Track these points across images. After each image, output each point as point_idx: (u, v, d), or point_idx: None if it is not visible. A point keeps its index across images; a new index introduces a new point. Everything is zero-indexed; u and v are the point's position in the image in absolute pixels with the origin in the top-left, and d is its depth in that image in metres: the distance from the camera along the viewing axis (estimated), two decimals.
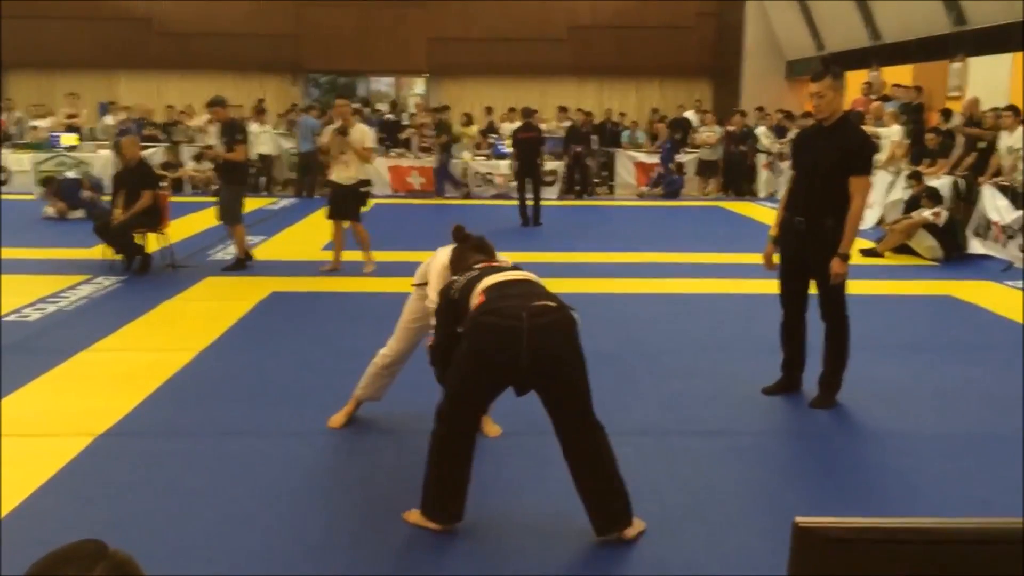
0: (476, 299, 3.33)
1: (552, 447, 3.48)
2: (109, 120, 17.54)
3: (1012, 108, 10.69)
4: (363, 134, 8.76)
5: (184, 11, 21.32)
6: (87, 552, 1.31)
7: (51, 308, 6.92)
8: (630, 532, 3.37)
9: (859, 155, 4.74)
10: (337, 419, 4.54)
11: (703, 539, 3.45)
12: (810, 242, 4.78)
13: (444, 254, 4.00)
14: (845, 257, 4.72)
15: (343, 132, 8.57)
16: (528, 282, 3.49)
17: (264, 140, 16.21)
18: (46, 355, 5.74)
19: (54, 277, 6.86)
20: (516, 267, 3.66)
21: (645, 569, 3.24)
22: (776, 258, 5.05)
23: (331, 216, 8.72)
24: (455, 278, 3.56)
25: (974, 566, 0.92)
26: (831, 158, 4.70)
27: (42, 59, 21.26)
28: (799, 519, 1.01)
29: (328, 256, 8.82)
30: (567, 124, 17.01)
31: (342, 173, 8.66)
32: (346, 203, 8.62)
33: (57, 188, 12.68)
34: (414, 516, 3.48)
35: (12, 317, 6.77)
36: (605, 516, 3.34)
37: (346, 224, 8.59)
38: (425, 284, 4.11)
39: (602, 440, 3.38)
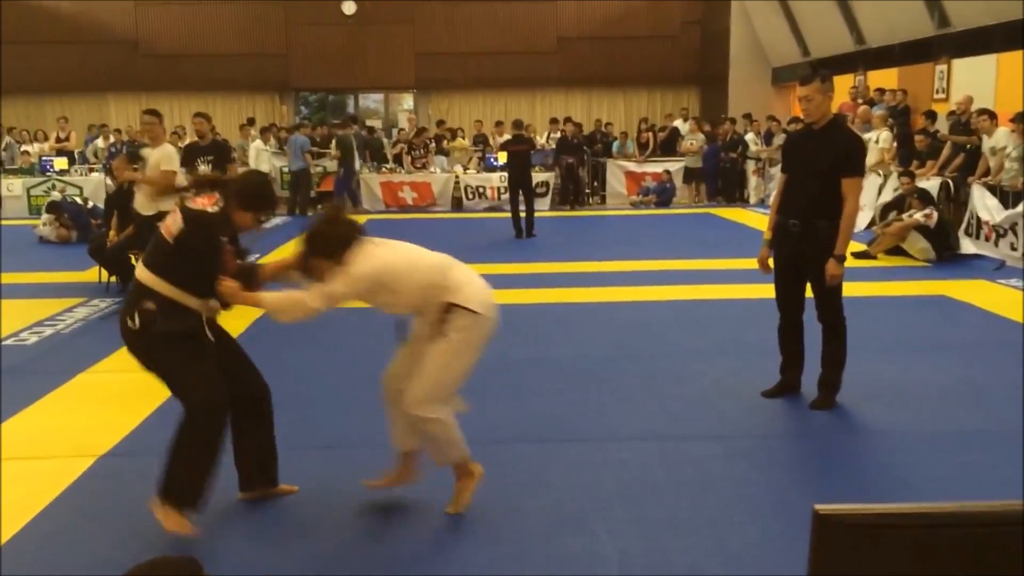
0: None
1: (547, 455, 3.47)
2: (100, 143, 17.54)
3: (987, 112, 10.79)
4: (162, 157, 7.57)
5: (171, 33, 21.37)
6: (185, 568, 1.31)
7: (48, 331, 6.91)
8: None
9: (851, 156, 4.76)
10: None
11: (710, 541, 3.46)
12: (805, 244, 4.80)
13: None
14: (841, 259, 4.73)
15: (133, 156, 7.60)
16: None
17: (264, 159, 16.20)
18: (45, 377, 5.74)
19: (50, 300, 6.86)
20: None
21: (652, 570, 3.25)
22: (771, 261, 5.07)
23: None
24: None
25: (992, 548, 0.94)
26: (823, 160, 4.74)
27: (30, 84, 21.26)
28: (819, 506, 1.03)
29: None
30: (557, 136, 17.01)
31: (143, 201, 7.62)
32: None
33: (59, 211, 12.62)
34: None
35: (10, 341, 6.76)
36: None
37: None
38: None
39: None
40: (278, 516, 3.77)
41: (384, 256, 3.51)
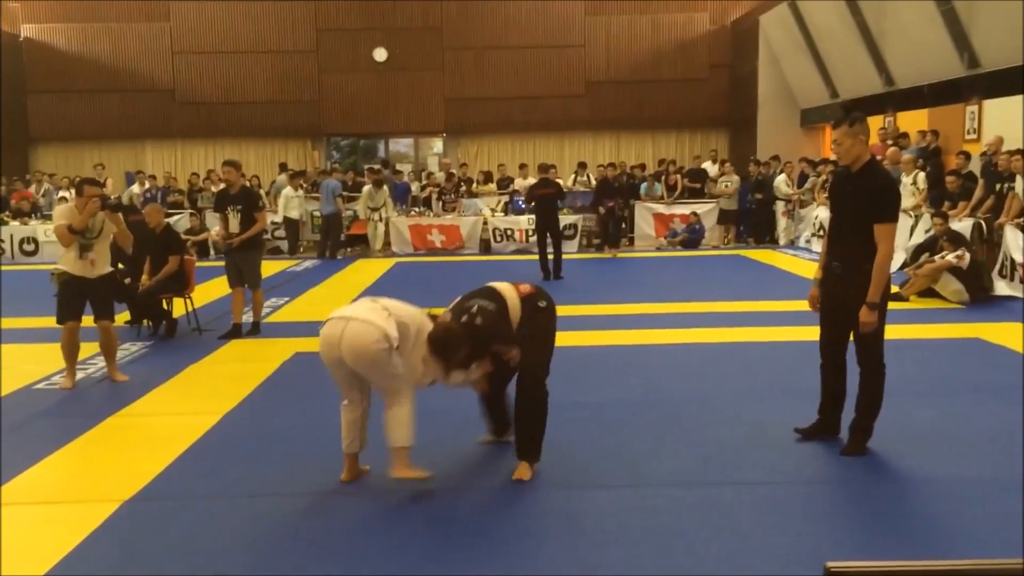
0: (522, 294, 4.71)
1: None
2: (135, 188, 17.89)
3: (1020, 152, 10.69)
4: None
5: (206, 82, 21.86)
6: None
7: (80, 375, 6.98)
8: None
9: (882, 201, 4.74)
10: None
11: None
12: (844, 287, 4.81)
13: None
14: (873, 307, 4.68)
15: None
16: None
17: (295, 205, 16.46)
18: (75, 420, 5.80)
19: (83, 344, 6.94)
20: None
21: None
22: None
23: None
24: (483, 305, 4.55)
25: None
26: (857, 203, 4.75)
27: (69, 131, 21.81)
28: (830, 564, 1.01)
29: None
30: (600, 177, 16.65)
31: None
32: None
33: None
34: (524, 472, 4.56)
35: (42, 385, 6.84)
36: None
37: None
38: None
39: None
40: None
41: None
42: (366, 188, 16.23)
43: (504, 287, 4.72)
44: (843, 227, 4.85)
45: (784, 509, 4.19)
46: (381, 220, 16.24)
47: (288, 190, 16.52)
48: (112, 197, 7.02)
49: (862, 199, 4.73)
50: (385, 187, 16.35)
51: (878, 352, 4.86)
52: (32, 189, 18.48)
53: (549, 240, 12.61)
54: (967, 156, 12.41)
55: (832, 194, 5.17)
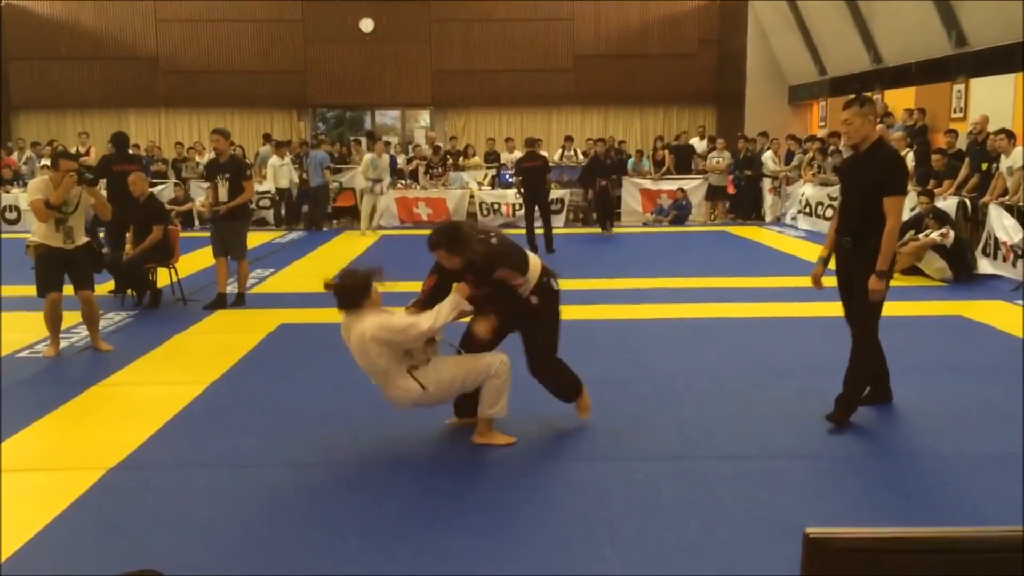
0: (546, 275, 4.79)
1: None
2: None
3: (1006, 131, 10.73)
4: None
5: (190, 50, 21.59)
6: None
7: (63, 344, 6.95)
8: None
9: (890, 176, 4.89)
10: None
11: (719, 564, 3.42)
12: (854, 261, 4.97)
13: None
14: (882, 274, 4.84)
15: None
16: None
17: (283, 174, 16.18)
18: (58, 389, 5.78)
19: (66, 313, 6.90)
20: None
21: None
22: (826, 280, 5.24)
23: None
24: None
25: (978, 573, 0.92)
26: (867, 181, 4.91)
27: (51, 99, 21.52)
28: (809, 530, 1.02)
29: None
30: (590, 154, 16.00)
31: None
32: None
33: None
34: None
35: (24, 353, 6.81)
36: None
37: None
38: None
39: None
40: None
41: None
42: (368, 157, 15.12)
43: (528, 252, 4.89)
44: (853, 205, 5.03)
45: (766, 482, 4.23)
46: (383, 193, 15.31)
47: (275, 159, 16.32)
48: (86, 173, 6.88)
49: (870, 176, 4.89)
50: (386, 156, 15.61)
51: (872, 326, 5.00)
52: (14, 157, 18.27)
53: (537, 214, 12.59)
54: (956, 135, 12.45)
55: (843, 175, 5.41)
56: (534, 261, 4.80)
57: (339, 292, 4.49)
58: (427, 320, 4.38)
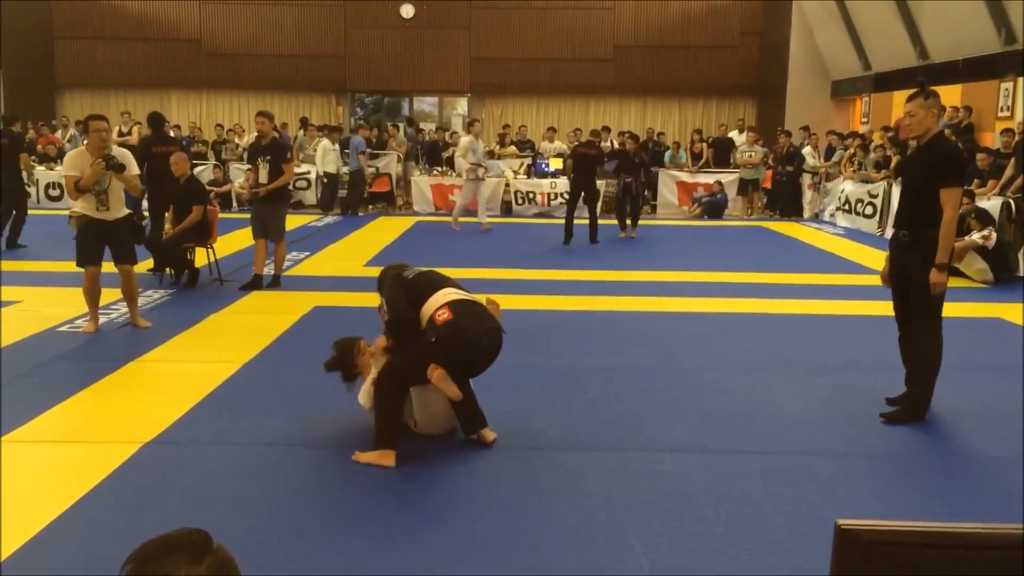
0: (440, 311, 4.39)
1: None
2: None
3: None
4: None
5: (232, 33, 21.80)
6: (196, 544, 1.27)
7: (102, 319, 7.07)
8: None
9: (947, 167, 4.83)
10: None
11: (744, 557, 3.42)
12: (911, 254, 4.92)
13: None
14: (941, 267, 4.80)
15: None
16: (475, 303, 4.56)
17: (332, 159, 16.12)
18: (97, 363, 5.89)
19: (105, 290, 7.02)
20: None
21: None
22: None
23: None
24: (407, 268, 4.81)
25: (1011, 572, 0.91)
26: (923, 173, 4.86)
27: (96, 79, 21.85)
28: (840, 521, 1.02)
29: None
30: (618, 149, 15.12)
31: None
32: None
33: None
34: (366, 456, 4.27)
35: (65, 328, 6.94)
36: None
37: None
38: None
39: None
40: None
41: None
42: (466, 140, 14.02)
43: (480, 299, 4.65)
44: (910, 198, 4.99)
45: (794, 478, 4.21)
46: (483, 179, 14.00)
47: (326, 143, 16.30)
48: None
49: (928, 168, 4.85)
50: (481, 141, 14.67)
51: (934, 322, 4.96)
52: (58, 134, 18.58)
53: (581, 204, 12.54)
54: (1012, 134, 12.17)
55: (903, 171, 5.38)
56: (434, 300, 4.46)
57: (338, 367, 4.83)
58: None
